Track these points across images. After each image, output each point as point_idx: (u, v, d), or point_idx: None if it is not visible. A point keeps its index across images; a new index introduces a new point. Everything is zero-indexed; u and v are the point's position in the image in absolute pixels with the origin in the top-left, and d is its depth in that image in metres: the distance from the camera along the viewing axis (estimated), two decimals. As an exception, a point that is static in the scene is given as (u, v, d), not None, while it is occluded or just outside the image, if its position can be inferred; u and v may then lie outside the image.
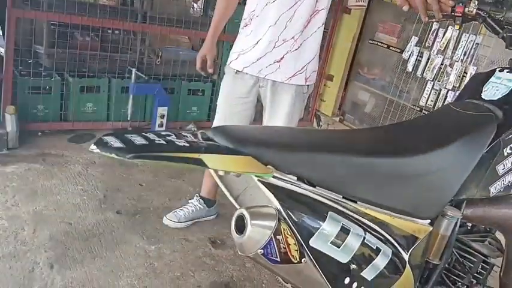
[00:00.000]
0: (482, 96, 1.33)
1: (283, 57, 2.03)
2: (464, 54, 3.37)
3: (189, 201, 2.51)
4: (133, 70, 3.23)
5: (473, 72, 3.23)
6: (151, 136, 0.84)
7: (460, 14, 1.44)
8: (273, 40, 2.01)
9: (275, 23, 1.99)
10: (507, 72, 1.34)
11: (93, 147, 0.77)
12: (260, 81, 2.11)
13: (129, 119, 3.40)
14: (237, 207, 1.00)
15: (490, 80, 1.36)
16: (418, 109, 3.69)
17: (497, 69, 1.38)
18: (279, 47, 2.02)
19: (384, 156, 1.05)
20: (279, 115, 2.13)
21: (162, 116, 3.41)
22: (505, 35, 1.43)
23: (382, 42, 4.04)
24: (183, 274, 2.09)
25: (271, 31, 2.00)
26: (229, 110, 2.21)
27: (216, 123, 2.26)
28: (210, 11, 4.07)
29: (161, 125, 3.42)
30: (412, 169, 1.09)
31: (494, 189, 1.26)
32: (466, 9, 1.43)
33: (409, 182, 1.09)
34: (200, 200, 2.49)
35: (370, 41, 4.15)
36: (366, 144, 1.10)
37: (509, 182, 1.27)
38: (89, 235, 2.23)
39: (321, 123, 4.52)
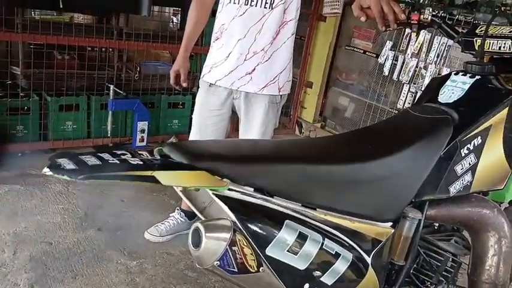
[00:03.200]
0: (439, 100, 1.37)
1: (254, 68, 2.06)
2: (438, 57, 3.43)
3: (170, 215, 2.53)
4: (112, 86, 3.25)
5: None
6: (106, 156, 0.86)
7: (416, 22, 1.49)
8: (244, 53, 2.04)
9: (244, 36, 2.02)
10: (462, 75, 1.38)
11: (45, 170, 0.80)
12: (234, 93, 2.14)
13: (109, 135, 3.42)
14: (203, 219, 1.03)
15: (446, 83, 1.40)
16: (397, 112, 3.76)
17: (453, 73, 1.42)
18: (249, 59, 2.05)
19: (339, 163, 1.08)
20: (254, 125, 2.16)
21: (143, 131, 3.43)
22: (460, 39, 1.47)
23: (358, 48, 4.11)
24: (165, 288, 2.10)
25: (240, 44, 2.04)
26: (203, 122, 2.24)
27: (191, 136, 2.29)
28: (187, 25, 4.13)
29: (142, 140, 3.43)
30: (369, 174, 1.12)
31: (453, 189, 1.29)
32: (422, 16, 1.48)
33: (366, 186, 1.12)
34: (181, 213, 2.51)
35: (346, 47, 4.22)
36: (322, 152, 1.13)
37: (468, 181, 1.31)
38: (70, 254, 2.23)
39: (302, 130, 4.57)
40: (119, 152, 0.89)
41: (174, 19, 4.59)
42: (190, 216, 2.51)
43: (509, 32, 1.35)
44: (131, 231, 2.50)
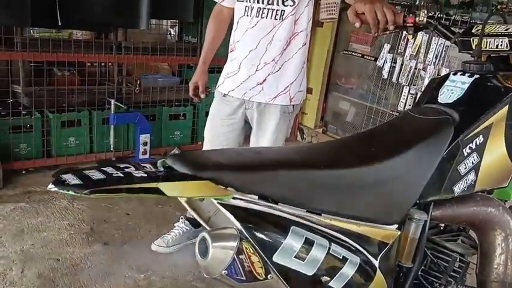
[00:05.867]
0: (439, 100, 1.37)
1: (265, 79, 2.09)
2: (436, 57, 3.45)
3: (175, 224, 2.53)
4: (112, 101, 3.27)
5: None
6: (109, 170, 0.87)
7: (412, 24, 1.50)
8: (255, 63, 2.08)
9: (256, 47, 2.06)
10: (460, 74, 1.39)
11: (50, 186, 0.80)
12: (246, 104, 2.17)
13: (112, 149, 3.43)
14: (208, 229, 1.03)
15: (445, 83, 1.40)
16: (398, 114, 3.76)
17: (451, 73, 1.42)
18: (261, 70, 2.09)
19: (342, 168, 1.09)
20: (265, 134, 2.19)
21: (145, 144, 3.44)
22: (456, 39, 1.48)
23: (356, 52, 4.13)
24: (173, 300, 2.10)
25: (252, 55, 2.08)
26: (215, 131, 2.28)
27: (204, 146, 2.35)
28: (185, 36, 4.16)
29: (145, 153, 3.44)
30: (372, 178, 1.12)
31: (458, 189, 1.29)
32: (417, 19, 1.49)
33: (370, 190, 1.12)
34: (185, 221, 2.51)
35: (344, 52, 4.24)
36: (325, 157, 1.14)
37: (472, 180, 1.31)
38: (78, 269, 2.24)
39: (304, 136, 4.57)
40: (122, 166, 0.89)
41: (172, 31, 4.62)
42: (195, 224, 2.51)
43: (506, 30, 1.36)
44: (138, 244, 2.50)
